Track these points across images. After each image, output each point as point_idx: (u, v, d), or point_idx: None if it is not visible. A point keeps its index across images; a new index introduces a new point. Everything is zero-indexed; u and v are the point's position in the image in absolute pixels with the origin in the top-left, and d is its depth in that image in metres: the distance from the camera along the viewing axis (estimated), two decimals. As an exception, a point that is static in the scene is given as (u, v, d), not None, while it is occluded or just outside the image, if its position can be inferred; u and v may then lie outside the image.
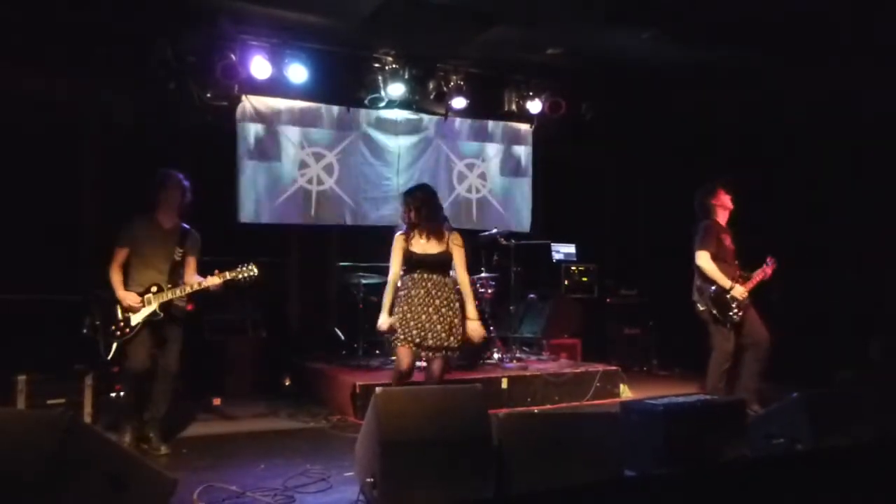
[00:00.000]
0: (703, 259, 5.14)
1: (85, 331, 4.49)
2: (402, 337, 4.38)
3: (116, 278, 4.51)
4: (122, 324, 4.44)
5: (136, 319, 4.45)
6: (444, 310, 4.42)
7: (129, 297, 4.46)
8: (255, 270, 4.55)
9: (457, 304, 4.51)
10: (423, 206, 4.52)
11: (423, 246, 4.51)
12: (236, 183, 6.96)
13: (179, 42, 6.18)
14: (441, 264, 4.52)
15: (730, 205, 5.37)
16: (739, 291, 5.12)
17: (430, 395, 3.53)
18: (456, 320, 4.45)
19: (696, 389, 6.21)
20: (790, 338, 5.31)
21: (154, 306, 4.47)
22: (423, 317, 4.38)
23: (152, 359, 4.52)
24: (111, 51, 5.93)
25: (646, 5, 5.67)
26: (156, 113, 6.38)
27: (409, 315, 4.38)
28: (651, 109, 7.45)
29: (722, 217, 5.36)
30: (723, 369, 5.14)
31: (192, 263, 4.73)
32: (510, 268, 6.97)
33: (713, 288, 5.16)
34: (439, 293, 4.44)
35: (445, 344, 4.41)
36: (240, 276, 4.54)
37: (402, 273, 4.55)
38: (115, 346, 4.40)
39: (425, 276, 4.47)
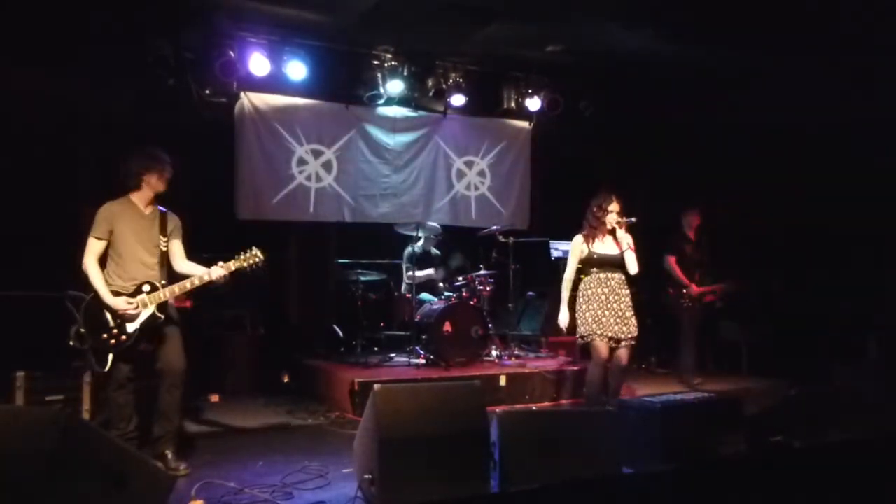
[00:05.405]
0: (666, 263, 6.67)
1: (71, 342, 3.91)
2: (599, 332, 4.79)
3: (99, 280, 3.96)
4: (115, 331, 3.93)
5: (132, 326, 3.95)
6: (624, 304, 4.88)
7: (119, 304, 3.93)
8: (260, 255, 4.12)
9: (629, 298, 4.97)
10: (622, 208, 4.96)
11: (603, 247, 4.95)
12: (235, 180, 6.96)
13: (178, 39, 6.18)
14: (620, 263, 4.93)
15: (694, 225, 6.75)
16: (691, 291, 6.59)
17: (429, 392, 3.53)
18: (629, 312, 4.91)
19: (696, 382, 6.27)
20: (788, 334, 5.33)
21: (151, 309, 3.98)
22: (608, 312, 4.82)
23: (156, 363, 4.06)
24: (110, 48, 5.91)
25: (646, 2, 5.67)
26: (155, 110, 6.37)
27: (598, 312, 4.82)
28: (650, 107, 7.44)
29: (690, 232, 6.74)
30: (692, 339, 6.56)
31: (178, 249, 4.24)
32: (509, 265, 6.96)
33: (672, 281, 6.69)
34: (622, 290, 4.90)
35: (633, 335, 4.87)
36: (246, 263, 4.10)
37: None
38: (111, 356, 3.91)
39: (608, 275, 4.90)
